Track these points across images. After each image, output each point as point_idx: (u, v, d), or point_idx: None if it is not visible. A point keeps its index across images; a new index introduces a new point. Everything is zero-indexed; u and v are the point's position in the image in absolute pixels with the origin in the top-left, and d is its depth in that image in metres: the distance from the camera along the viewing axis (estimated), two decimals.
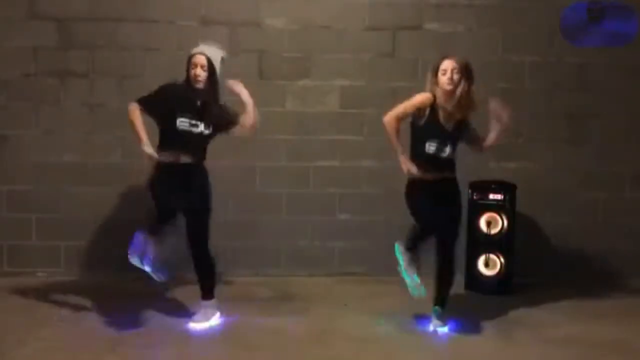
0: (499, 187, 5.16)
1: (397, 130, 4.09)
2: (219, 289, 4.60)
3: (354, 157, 5.47)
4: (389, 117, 4.10)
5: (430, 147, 4.11)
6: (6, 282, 5.07)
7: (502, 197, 5.10)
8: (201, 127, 4.20)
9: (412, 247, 4.29)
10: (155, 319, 4.37)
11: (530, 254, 5.40)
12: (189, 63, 4.19)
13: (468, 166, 5.41)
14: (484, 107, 4.22)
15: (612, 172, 5.62)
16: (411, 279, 4.25)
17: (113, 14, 5.28)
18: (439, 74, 4.08)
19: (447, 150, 4.15)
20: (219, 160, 5.37)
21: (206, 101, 4.21)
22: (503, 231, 5.09)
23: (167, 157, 4.15)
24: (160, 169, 4.19)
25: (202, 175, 4.32)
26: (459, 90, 4.05)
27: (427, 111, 4.09)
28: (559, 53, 5.51)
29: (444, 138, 4.13)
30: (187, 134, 4.18)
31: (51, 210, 5.34)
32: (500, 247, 5.09)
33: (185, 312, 4.46)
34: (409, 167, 4.06)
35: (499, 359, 3.94)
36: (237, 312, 4.53)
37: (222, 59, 4.26)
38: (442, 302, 4.32)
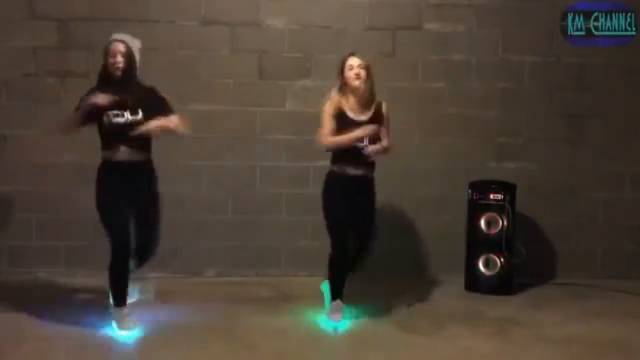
0: (499, 187, 5.15)
1: (335, 136, 4.22)
2: (219, 289, 4.62)
3: None
4: (325, 139, 4.25)
5: None
6: (6, 282, 5.07)
7: (502, 197, 5.10)
8: (127, 115, 4.02)
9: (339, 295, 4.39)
10: (155, 319, 4.36)
11: (530, 254, 5.39)
12: (106, 53, 4.04)
13: (468, 166, 5.44)
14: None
15: (612, 172, 5.62)
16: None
17: (113, 14, 5.27)
18: (346, 69, 4.25)
19: (365, 142, 4.20)
20: (219, 160, 5.41)
21: (127, 89, 4.05)
22: (503, 231, 5.09)
23: (110, 155, 4.08)
24: (106, 170, 4.12)
25: (150, 172, 4.22)
26: (364, 85, 4.22)
27: (334, 110, 4.26)
28: (559, 53, 5.51)
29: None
30: (116, 126, 4.03)
31: (51, 210, 5.34)
32: (500, 247, 5.09)
33: (186, 312, 4.46)
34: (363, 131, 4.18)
35: (499, 359, 3.94)
36: (237, 312, 4.53)
37: (140, 49, 4.18)
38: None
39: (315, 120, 5.45)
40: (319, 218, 5.47)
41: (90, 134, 5.31)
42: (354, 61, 4.24)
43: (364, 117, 4.27)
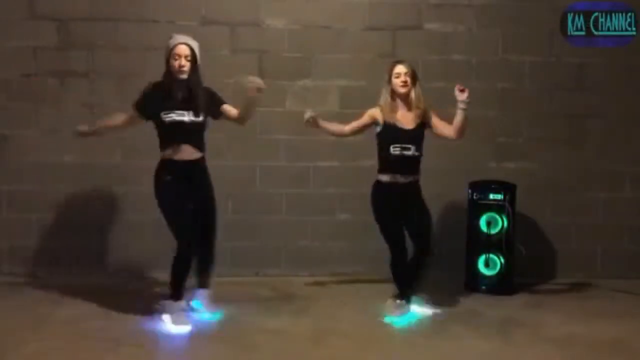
0: (499, 187, 5.15)
1: (333, 128, 4.65)
2: (219, 289, 4.61)
3: (354, 157, 5.46)
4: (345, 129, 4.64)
5: (395, 150, 4.43)
6: (6, 282, 5.07)
7: (502, 197, 5.10)
8: (189, 116, 4.19)
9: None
10: (155, 319, 4.36)
11: (530, 254, 5.40)
12: (171, 54, 4.16)
13: (468, 166, 5.44)
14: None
15: (612, 172, 5.62)
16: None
17: (113, 14, 5.28)
18: (393, 77, 4.44)
19: (412, 149, 4.43)
20: (219, 160, 5.39)
21: (191, 89, 4.20)
22: (503, 231, 5.09)
23: (170, 154, 4.22)
24: (165, 167, 4.25)
25: (205, 169, 4.39)
26: (412, 92, 4.45)
27: (382, 120, 4.47)
28: (559, 53, 5.51)
29: (405, 139, 4.43)
30: (177, 125, 4.18)
31: (51, 210, 5.34)
32: (500, 247, 5.09)
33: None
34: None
35: (499, 359, 3.94)
36: (237, 312, 4.53)
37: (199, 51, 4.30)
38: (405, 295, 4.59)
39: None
40: (319, 218, 5.51)
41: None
42: (400, 69, 4.43)
43: (410, 126, 4.46)
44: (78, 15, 5.28)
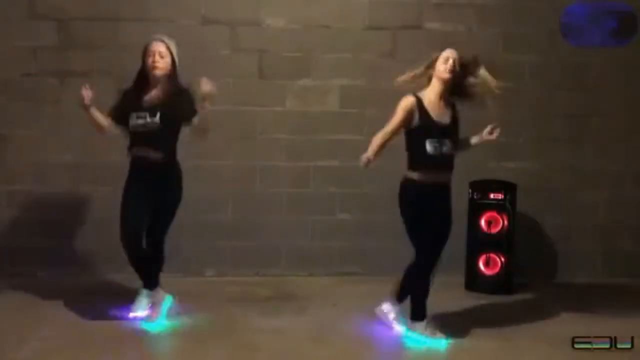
0: (499, 186, 5.16)
1: (380, 149, 4.03)
2: (219, 289, 4.62)
3: (354, 157, 5.43)
4: (376, 139, 4.06)
5: (430, 146, 3.98)
6: (6, 282, 5.06)
7: (503, 196, 5.10)
8: (147, 118, 4.06)
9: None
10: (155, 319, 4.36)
11: (530, 254, 5.40)
12: (145, 52, 4.09)
13: (468, 166, 5.43)
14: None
15: (612, 171, 5.62)
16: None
17: (113, 14, 5.28)
18: (439, 62, 4.01)
19: (448, 145, 4.01)
20: (219, 160, 5.41)
21: (162, 92, 4.07)
22: (503, 231, 5.09)
23: (134, 153, 4.18)
24: (131, 167, 4.23)
25: (172, 172, 4.21)
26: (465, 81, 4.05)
27: (417, 112, 3.99)
28: (559, 53, 5.52)
29: (441, 134, 4.00)
30: (139, 128, 4.09)
31: (51, 210, 5.34)
32: (501, 246, 5.09)
33: (186, 312, 4.46)
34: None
35: (499, 359, 3.94)
36: (237, 312, 4.53)
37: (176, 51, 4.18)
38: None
39: (315, 120, 5.49)
40: (319, 218, 5.51)
41: (91, 134, 5.33)
42: (450, 53, 4.03)
43: (446, 120, 4.03)
44: (78, 15, 5.28)
